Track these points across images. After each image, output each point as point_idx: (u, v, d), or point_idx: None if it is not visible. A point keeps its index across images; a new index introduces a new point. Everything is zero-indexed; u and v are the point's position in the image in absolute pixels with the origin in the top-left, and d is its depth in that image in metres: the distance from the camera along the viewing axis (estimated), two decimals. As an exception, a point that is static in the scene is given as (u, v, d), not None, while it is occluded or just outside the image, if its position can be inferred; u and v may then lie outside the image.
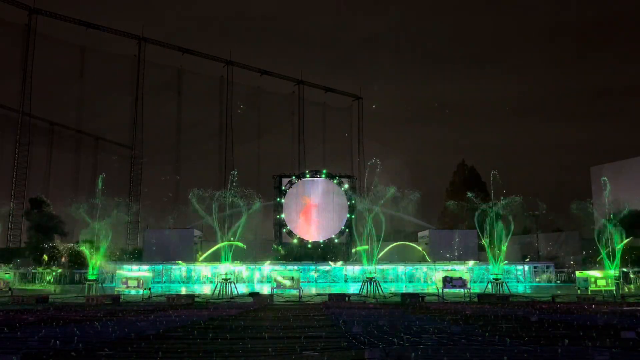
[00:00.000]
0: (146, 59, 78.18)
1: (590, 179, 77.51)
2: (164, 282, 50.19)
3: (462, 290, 31.52)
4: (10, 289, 33.71)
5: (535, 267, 52.81)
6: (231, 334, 13.05)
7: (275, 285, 31.75)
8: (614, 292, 33.21)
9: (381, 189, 34.33)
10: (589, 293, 32.87)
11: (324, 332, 13.66)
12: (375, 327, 14.31)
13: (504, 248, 34.92)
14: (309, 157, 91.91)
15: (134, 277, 32.69)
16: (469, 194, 36.29)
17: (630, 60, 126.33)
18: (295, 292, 31.62)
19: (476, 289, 36.09)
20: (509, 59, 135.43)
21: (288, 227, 58.55)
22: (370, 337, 12.04)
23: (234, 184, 35.54)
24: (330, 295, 30.11)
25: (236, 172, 37.58)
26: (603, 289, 33.96)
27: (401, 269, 52.49)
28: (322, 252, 57.05)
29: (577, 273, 36.47)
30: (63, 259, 61.20)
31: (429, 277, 49.55)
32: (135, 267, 48.74)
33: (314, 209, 59.43)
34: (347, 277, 51.53)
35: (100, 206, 35.30)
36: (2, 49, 69.09)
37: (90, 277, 34.42)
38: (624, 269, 44.76)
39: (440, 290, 31.45)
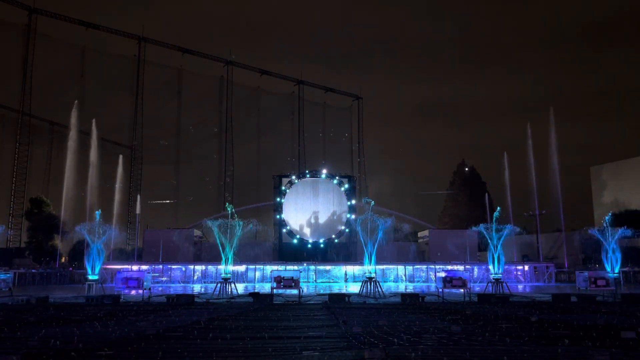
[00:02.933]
0: (146, 59, 78.31)
1: (590, 179, 77.63)
2: (164, 281, 50.22)
3: (461, 290, 31.48)
4: (10, 288, 33.64)
5: (535, 267, 52.81)
6: (231, 334, 13.04)
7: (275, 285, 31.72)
8: (614, 292, 33.18)
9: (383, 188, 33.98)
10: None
11: (324, 332, 13.65)
12: (375, 327, 14.30)
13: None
14: (309, 157, 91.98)
15: (134, 277, 32.63)
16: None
17: (630, 61, 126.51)
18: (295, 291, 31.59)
19: (476, 288, 36.11)
20: (509, 60, 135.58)
21: (288, 227, 58.54)
22: (370, 337, 12.04)
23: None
24: (330, 295, 30.06)
25: (232, 168, 37.06)
26: (603, 288, 33.90)
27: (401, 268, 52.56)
28: (322, 252, 57.03)
29: (578, 272, 36.41)
30: (63, 259, 61.21)
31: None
32: (135, 267, 48.74)
33: (314, 209, 59.41)
34: (347, 277, 51.54)
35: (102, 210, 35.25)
36: (2, 49, 69.14)
37: (90, 277, 34.40)
38: (624, 269, 44.73)
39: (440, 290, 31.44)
